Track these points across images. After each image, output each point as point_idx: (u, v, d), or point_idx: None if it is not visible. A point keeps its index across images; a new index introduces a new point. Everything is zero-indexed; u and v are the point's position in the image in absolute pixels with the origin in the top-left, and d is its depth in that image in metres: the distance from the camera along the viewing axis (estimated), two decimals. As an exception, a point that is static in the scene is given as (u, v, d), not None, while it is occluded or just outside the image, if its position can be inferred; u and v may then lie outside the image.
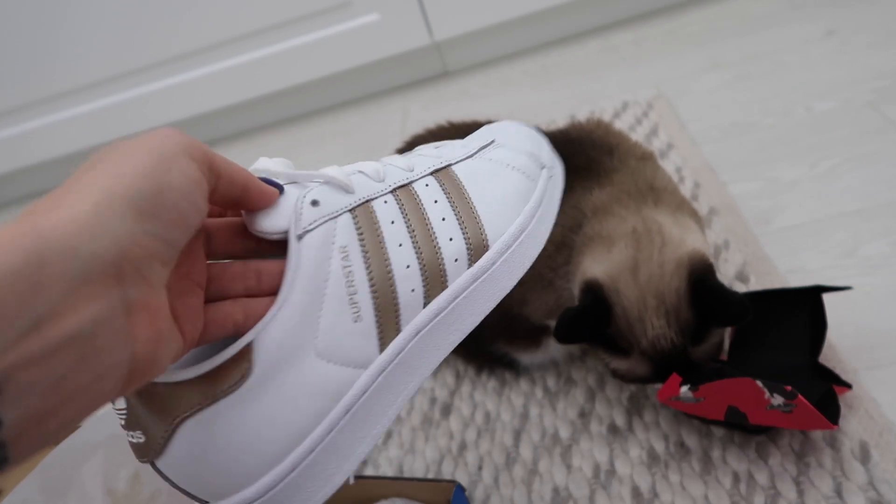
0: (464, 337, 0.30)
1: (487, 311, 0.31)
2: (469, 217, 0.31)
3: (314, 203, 0.27)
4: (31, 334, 0.17)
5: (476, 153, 0.34)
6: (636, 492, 0.46)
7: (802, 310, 0.47)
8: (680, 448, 0.48)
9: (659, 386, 0.47)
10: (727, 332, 0.49)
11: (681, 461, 0.47)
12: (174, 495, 0.39)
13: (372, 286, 0.27)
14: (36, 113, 1.12)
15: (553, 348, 0.55)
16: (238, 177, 0.25)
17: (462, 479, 0.51)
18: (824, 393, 0.41)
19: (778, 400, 0.38)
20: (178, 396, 0.24)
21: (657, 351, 0.43)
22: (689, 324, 0.43)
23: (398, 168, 0.32)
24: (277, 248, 0.27)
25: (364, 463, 0.55)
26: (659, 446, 0.48)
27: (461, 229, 0.30)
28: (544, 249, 0.34)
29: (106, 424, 0.38)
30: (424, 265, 0.29)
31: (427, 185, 0.31)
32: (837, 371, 0.46)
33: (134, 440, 0.26)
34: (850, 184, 0.63)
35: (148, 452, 0.25)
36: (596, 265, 0.45)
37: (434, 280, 0.29)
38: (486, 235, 0.31)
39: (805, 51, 0.86)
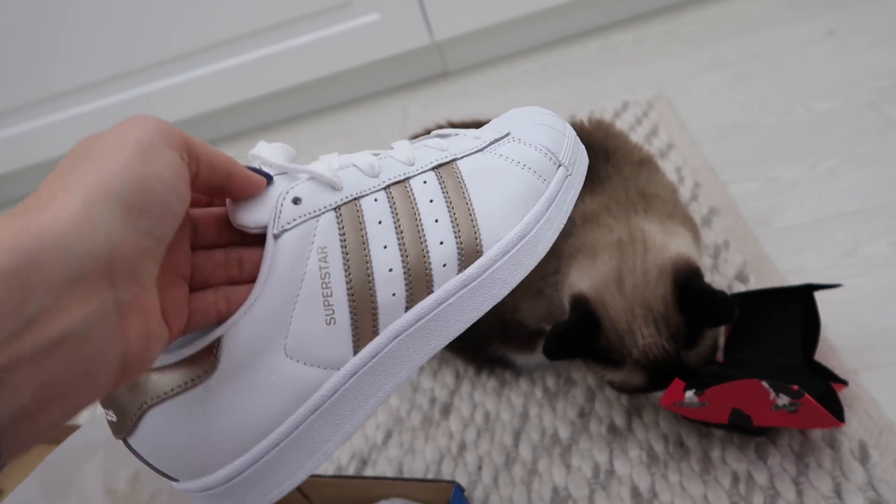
0: (446, 343, 0.29)
1: (474, 320, 0.29)
2: (465, 219, 0.29)
3: (295, 201, 0.27)
4: (22, 334, 0.17)
5: (487, 147, 0.32)
6: (635, 492, 0.46)
7: (795, 309, 0.47)
8: (679, 448, 0.48)
9: (661, 394, 0.46)
10: (721, 334, 0.48)
11: (680, 461, 0.47)
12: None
13: (349, 289, 0.27)
14: (36, 113, 1.12)
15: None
16: (219, 162, 0.25)
17: (462, 479, 0.51)
18: (824, 391, 0.41)
19: (784, 400, 0.38)
20: (147, 384, 0.25)
21: (650, 360, 0.43)
22: (680, 329, 0.42)
23: (397, 161, 0.30)
24: (262, 238, 0.27)
25: (364, 463, 0.55)
26: (658, 446, 0.48)
27: (454, 232, 0.29)
28: None
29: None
30: (409, 269, 0.28)
31: (425, 181, 0.30)
32: (836, 371, 0.46)
33: (108, 418, 0.26)
34: (850, 184, 0.63)
35: (120, 430, 0.26)
36: (582, 279, 0.45)
37: (418, 284, 0.28)
38: (480, 240, 0.29)
39: (805, 51, 0.86)
